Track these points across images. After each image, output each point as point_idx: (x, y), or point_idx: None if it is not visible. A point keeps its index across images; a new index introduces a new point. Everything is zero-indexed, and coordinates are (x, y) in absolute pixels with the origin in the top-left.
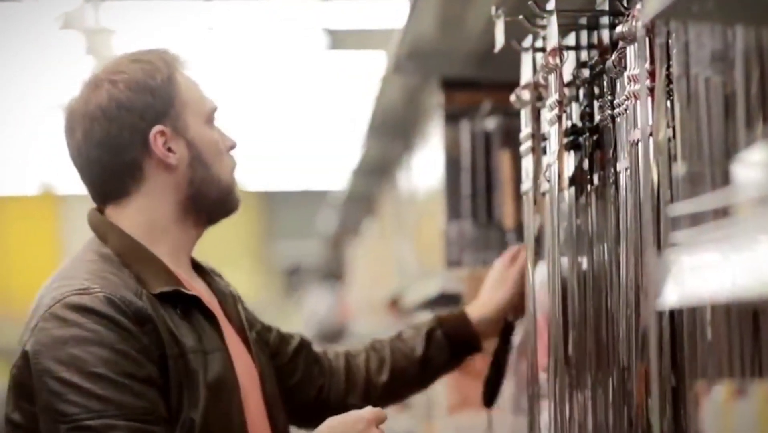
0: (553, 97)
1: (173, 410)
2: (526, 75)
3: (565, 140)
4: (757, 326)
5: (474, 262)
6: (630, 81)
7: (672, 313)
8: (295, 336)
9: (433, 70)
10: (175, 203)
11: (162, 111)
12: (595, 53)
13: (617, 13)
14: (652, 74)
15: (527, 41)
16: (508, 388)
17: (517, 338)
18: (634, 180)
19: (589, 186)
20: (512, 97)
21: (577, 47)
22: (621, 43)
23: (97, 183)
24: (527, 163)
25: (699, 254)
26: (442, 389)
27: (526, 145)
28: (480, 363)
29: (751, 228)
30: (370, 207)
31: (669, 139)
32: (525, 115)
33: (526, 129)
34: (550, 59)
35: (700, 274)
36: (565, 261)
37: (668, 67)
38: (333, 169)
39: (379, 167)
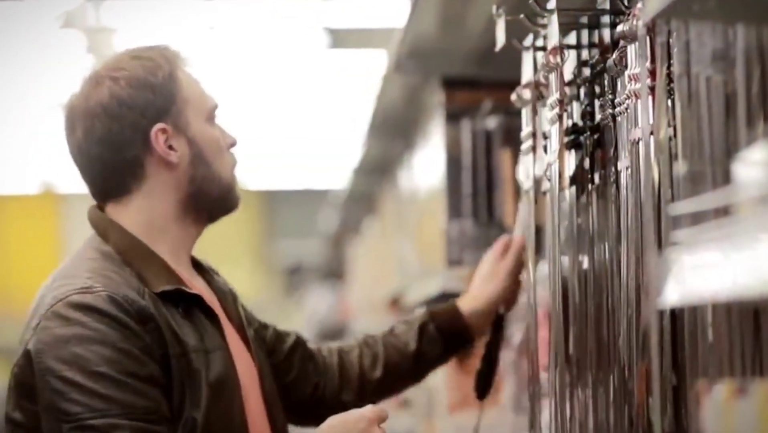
0: (553, 96)
1: (175, 409)
2: (526, 74)
3: (566, 139)
4: (758, 325)
5: (475, 261)
6: (631, 80)
7: (673, 312)
8: (291, 334)
9: (434, 69)
10: (176, 201)
11: (163, 108)
12: (596, 52)
13: (618, 12)
14: (653, 73)
15: (528, 40)
16: (509, 387)
17: (517, 335)
18: (635, 179)
19: (590, 185)
20: (513, 96)
21: (578, 46)
22: (622, 42)
23: (97, 181)
24: (528, 163)
25: (700, 253)
26: (442, 388)
27: (526, 144)
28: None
29: (752, 227)
30: (371, 206)
31: (670, 138)
32: (526, 114)
33: (526, 128)
34: (551, 58)
35: (701, 273)
36: (565, 260)
37: (669, 66)
38: (334, 168)
39: (380, 166)
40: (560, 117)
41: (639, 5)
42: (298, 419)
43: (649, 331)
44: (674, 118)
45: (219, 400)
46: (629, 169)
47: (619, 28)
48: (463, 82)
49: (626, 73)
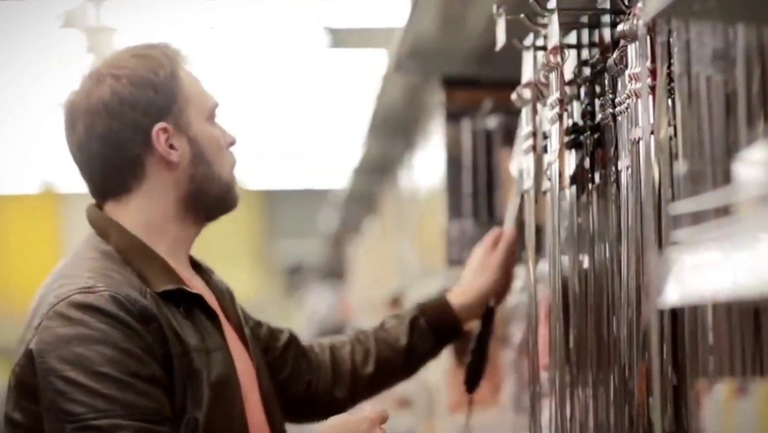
0: (554, 96)
1: (177, 409)
2: (527, 73)
3: (566, 139)
4: (759, 324)
5: None
6: (631, 79)
7: (673, 311)
8: (284, 331)
9: (434, 68)
10: (176, 200)
11: (165, 107)
12: (596, 52)
13: (618, 12)
14: (653, 73)
15: (528, 40)
16: (509, 386)
17: (518, 334)
18: (635, 178)
19: (590, 185)
20: (513, 96)
21: (578, 46)
22: (622, 42)
23: (97, 179)
24: (528, 162)
25: (700, 252)
26: (443, 387)
27: (527, 144)
28: None
29: (753, 227)
30: (371, 206)
31: (670, 138)
32: (526, 114)
33: (527, 128)
34: (551, 58)
35: (702, 272)
36: (566, 260)
37: (669, 66)
38: (334, 167)
39: (380, 166)
40: (560, 116)
41: (639, 5)
42: (292, 416)
43: (650, 330)
44: (674, 117)
45: (220, 400)
46: (629, 169)
47: (620, 27)
48: (464, 81)
49: (626, 72)
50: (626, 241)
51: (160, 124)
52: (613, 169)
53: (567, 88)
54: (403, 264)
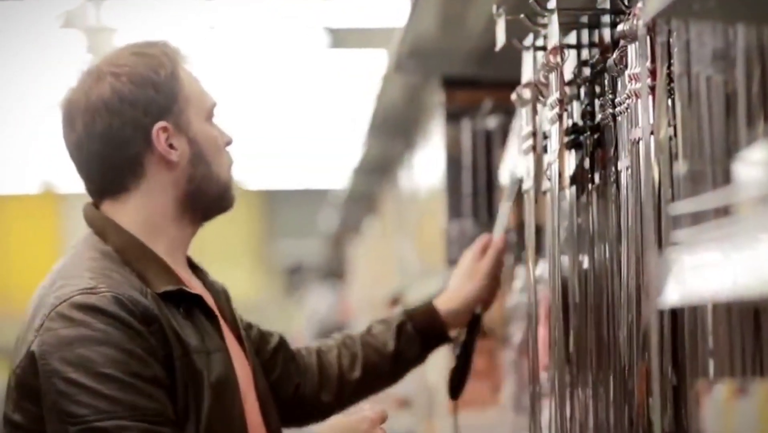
0: (554, 96)
1: (180, 411)
2: (527, 74)
3: (566, 139)
4: (758, 324)
5: None
6: (631, 80)
7: (673, 312)
8: (274, 334)
9: (434, 68)
10: (174, 200)
11: (165, 107)
12: (596, 52)
13: (618, 12)
14: (653, 73)
15: (528, 40)
16: (509, 386)
17: (518, 334)
18: (635, 179)
19: (590, 185)
20: (513, 96)
21: (578, 46)
22: (622, 42)
23: (95, 177)
24: (528, 162)
25: (700, 252)
26: (443, 388)
27: (526, 144)
28: (481, 362)
29: (752, 227)
30: (371, 206)
31: (670, 138)
32: (526, 114)
33: (526, 128)
34: (551, 58)
35: (701, 273)
36: (566, 260)
37: (669, 66)
38: (334, 167)
39: (380, 166)
40: (560, 117)
41: (639, 5)
42: (281, 420)
43: (650, 331)
44: (674, 117)
45: (220, 401)
46: (629, 169)
47: (620, 27)
48: (464, 81)
49: (626, 72)
50: (626, 241)
51: (161, 124)
52: (613, 169)
53: (567, 89)
54: (403, 264)
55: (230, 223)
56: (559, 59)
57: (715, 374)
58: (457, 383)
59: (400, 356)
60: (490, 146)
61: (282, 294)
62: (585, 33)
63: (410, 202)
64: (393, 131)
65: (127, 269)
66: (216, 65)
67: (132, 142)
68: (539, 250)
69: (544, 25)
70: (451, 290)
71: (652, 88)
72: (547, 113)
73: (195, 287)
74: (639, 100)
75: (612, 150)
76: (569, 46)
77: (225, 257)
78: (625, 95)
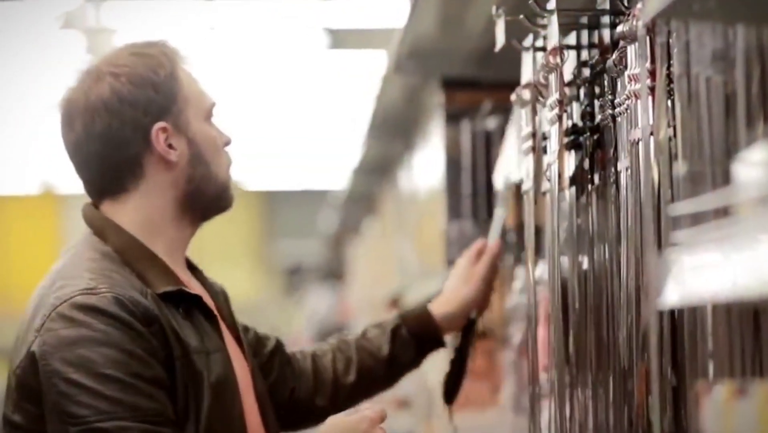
0: (553, 97)
1: (180, 411)
2: (526, 74)
3: (565, 140)
4: (758, 325)
5: None
6: (631, 80)
7: (672, 312)
8: (271, 338)
9: (434, 69)
10: (173, 200)
11: (165, 107)
12: (595, 52)
13: (618, 13)
14: (652, 73)
15: (528, 41)
16: (508, 387)
17: (517, 335)
18: (634, 179)
19: (589, 185)
20: (513, 97)
21: (578, 46)
22: (622, 43)
23: (94, 178)
24: (528, 163)
25: (700, 253)
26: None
27: (526, 145)
28: (480, 363)
29: (752, 228)
30: (370, 206)
31: (670, 139)
32: (525, 115)
33: (526, 128)
34: (551, 58)
35: (701, 273)
36: (565, 261)
37: (669, 67)
38: (334, 168)
39: (379, 167)
40: (560, 117)
41: (639, 5)
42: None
43: (649, 331)
44: (674, 118)
45: (220, 402)
46: (629, 170)
47: (619, 28)
48: (463, 82)
49: (626, 73)
50: (626, 242)
51: (160, 124)
52: (613, 170)
53: (566, 89)
54: (403, 265)
55: (230, 223)
56: (558, 60)
57: (715, 375)
58: (451, 388)
59: (394, 360)
60: (489, 147)
61: (282, 295)
62: (585, 34)
63: (410, 202)
64: (392, 132)
65: (127, 269)
66: (216, 66)
67: (131, 143)
68: (539, 250)
69: (544, 26)
70: (446, 294)
71: (652, 89)
72: (546, 114)
73: (194, 287)
74: (638, 101)
75: (612, 151)
76: (569, 47)
77: (225, 258)
78: (625, 96)
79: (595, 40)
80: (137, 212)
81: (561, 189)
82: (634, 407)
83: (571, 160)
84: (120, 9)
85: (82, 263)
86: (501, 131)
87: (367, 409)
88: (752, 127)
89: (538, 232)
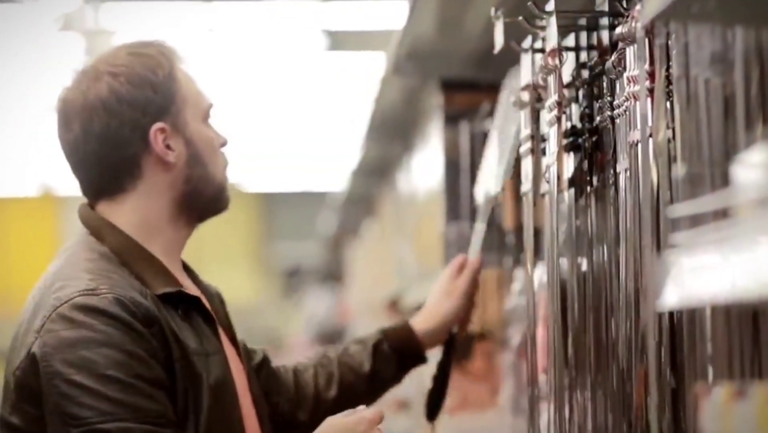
0: (552, 99)
1: (179, 413)
2: (525, 76)
3: (564, 141)
4: (757, 327)
5: None
6: (629, 82)
7: (672, 314)
8: (258, 351)
9: (433, 71)
10: (171, 201)
11: (163, 107)
12: (594, 54)
13: (617, 14)
14: (651, 75)
15: (526, 42)
16: (507, 389)
17: (516, 337)
18: (633, 181)
19: (588, 187)
20: (512, 99)
21: (577, 48)
22: (620, 44)
23: (92, 178)
24: (526, 165)
25: (699, 255)
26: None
27: (525, 147)
28: (479, 365)
29: (751, 229)
30: (369, 208)
31: (668, 141)
32: (524, 117)
33: (525, 130)
34: (550, 60)
35: (700, 275)
36: (564, 262)
37: (668, 68)
38: (332, 170)
39: (378, 168)
40: (559, 119)
41: (638, 7)
42: None
43: (648, 333)
44: (673, 120)
45: (219, 404)
46: (628, 172)
47: (618, 30)
48: (462, 84)
49: (625, 75)
50: (624, 243)
51: (158, 124)
52: (612, 171)
53: (565, 91)
54: (402, 267)
55: (229, 225)
56: (557, 62)
57: (714, 377)
58: (434, 404)
59: (376, 375)
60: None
61: (280, 297)
62: (583, 35)
63: (409, 204)
64: (391, 134)
65: (125, 270)
66: (215, 68)
67: (130, 143)
68: (538, 252)
69: (543, 28)
70: (428, 309)
71: (651, 91)
72: (545, 116)
73: (191, 289)
74: (637, 103)
75: (610, 152)
76: (568, 49)
77: (223, 260)
78: (624, 98)
79: (594, 41)
80: (134, 213)
81: (560, 191)
82: (633, 409)
83: (570, 162)
84: (119, 11)
85: (79, 264)
86: None
87: (365, 410)
88: (751, 128)
89: (537, 233)
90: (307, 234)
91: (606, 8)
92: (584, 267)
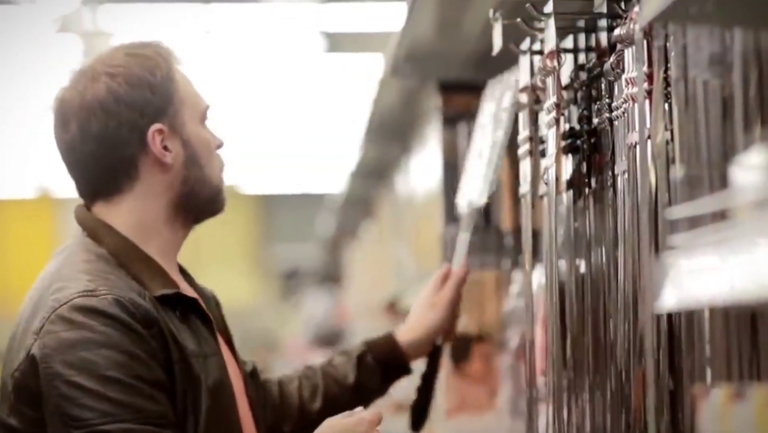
0: (550, 100)
1: (179, 414)
2: (523, 78)
3: (563, 143)
4: (755, 329)
5: (471, 265)
6: (628, 84)
7: (670, 316)
8: (248, 362)
9: (431, 72)
10: (167, 203)
11: (161, 108)
12: (592, 56)
13: (615, 16)
14: (650, 77)
15: (525, 44)
16: (506, 391)
17: (515, 339)
18: (632, 183)
19: (587, 189)
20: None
21: (575, 50)
22: (619, 46)
23: (89, 178)
24: (525, 167)
25: (697, 257)
26: (440, 392)
27: (523, 149)
28: (478, 367)
29: (750, 231)
30: (368, 210)
31: (667, 142)
32: (523, 118)
33: (523, 132)
34: (548, 62)
35: (698, 277)
36: (562, 264)
37: (666, 70)
38: (331, 172)
39: (377, 170)
40: (557, 121)
41: (636, 9)
42: None
43: (646, 335)
44: (671, 122)
45: (217, 405)
46: (626, 173)
47: (616, 31)
48: (460, 85)
49: (623, 76)
50: (623, 245)
51: (156, 126)
52: (610, 173)
53: (564, 93)
54: (400, 268)
55: (227, 227)
56: (555, 63)
57: (712, 379)
58: (418, 415)
59: (360, 387)
60: None
61: (279, 298)
62: (582, 37)
63: (407, 206)
64: (390, 135)
65: (122, 271)
66: (213, 69)
67: (127, 144)
68: (536, 254)
69: (541, 30)
70: (412, 320)
71: (649, 93)
72: (544, 117)
73: (188, 291)
74: (636, 105)
75: (609, 154)
76: (566, 50)
77: (221, 262)
78: (622, 99)
79: (593, 43)
80: (131, 214)
81: (558, 192)
82: (632, 411)
83: (568, 164)
84: (117, 12)
85: (77, 265)
86: None
87: (364, 411)
88: (749, 130)
89: (536, 235)
90: (305, 236)
91: (604, 10)
92: (583, 269)
